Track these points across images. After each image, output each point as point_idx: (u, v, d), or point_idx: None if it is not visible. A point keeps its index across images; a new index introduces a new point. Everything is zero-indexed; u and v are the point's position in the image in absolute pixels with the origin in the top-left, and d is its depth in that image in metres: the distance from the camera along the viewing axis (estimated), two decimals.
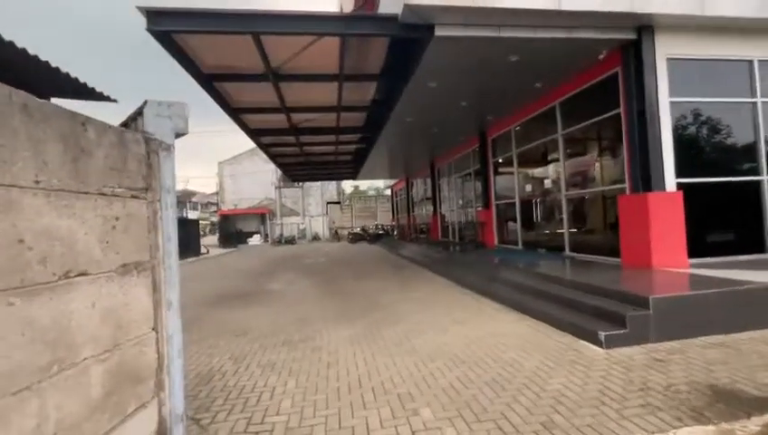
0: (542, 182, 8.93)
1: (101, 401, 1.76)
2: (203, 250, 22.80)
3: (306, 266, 13.42)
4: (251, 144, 12.90)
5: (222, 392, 3.34)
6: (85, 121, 1.80)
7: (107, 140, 1.93)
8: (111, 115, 2.42)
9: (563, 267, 6.58)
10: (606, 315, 4.12)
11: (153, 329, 2.19)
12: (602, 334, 3.74)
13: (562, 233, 7.89)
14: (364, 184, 49.41)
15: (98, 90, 3.56)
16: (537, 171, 9.37)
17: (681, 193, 5.54)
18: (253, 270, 13.14)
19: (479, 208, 11.93)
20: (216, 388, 3.44)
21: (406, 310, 5.99)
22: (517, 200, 9.81)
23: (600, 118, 6.77)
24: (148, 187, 2.22)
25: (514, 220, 10.28)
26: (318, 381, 3.45)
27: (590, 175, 7.52)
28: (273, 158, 14.75)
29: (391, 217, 28.37)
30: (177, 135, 2.47)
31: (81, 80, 3.24)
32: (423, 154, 15.65)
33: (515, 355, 3.79)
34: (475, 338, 4.42)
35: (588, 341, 3.97)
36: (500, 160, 10.98)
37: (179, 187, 43.34)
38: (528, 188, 9.50)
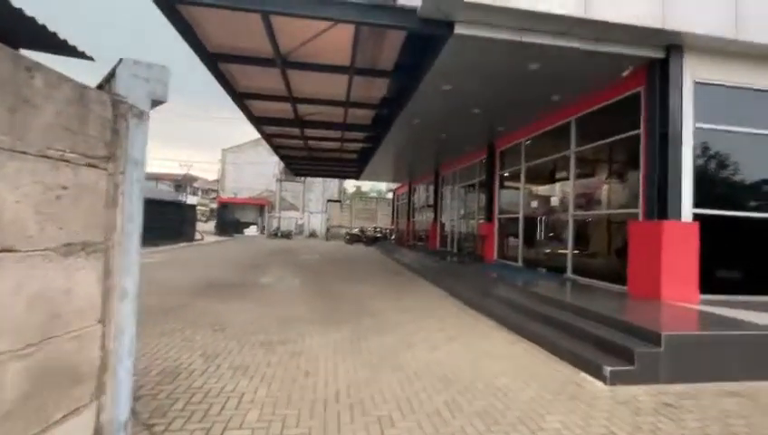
0: (549, 200, 8.64)
1: (15, 406, 1.45)
2: (197, 236, 22.48)
3: (300, 263, 13.10)
4: (256, 134, 12.59)
5: (185, 394, 3.02)
6: (32, 67, 1.49)
7: (61, 94, 1.62)
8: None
9: (564, 290, 6.27)
10: (610, 348, 3.80)
11: (100, 321, 1.88)
12: (608, 369, 3.43)
13: (565, 254, 7.58)
14: (367, 185, 49.25)
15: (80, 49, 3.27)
16: (544, 188, 9.08)
17: (697, 224, 5.24)
18: (245, 261, 12.81)
19: (481, 221, 11.62)
20: (180, 388, 3.12)
21: (397, 320, 5.67)
22: (521, 216, 9.52)
23: (617, 138, 6.48)
24: (111, 156, 1.91)
25: (516, 236, 9.97)
26: (292, 392, 3.13)
27: (599, 197, 7.23)
28: (276, 149, 14.47)
29: (391, 220, 28.07)
30: (155, 103, 2.17)
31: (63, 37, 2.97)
32: (428, 160, 15.37)
33: (510, 382, 3.47)
34: (467, 358, 4.10)
35: (589, 374, 3.65)
36: (507, 174, 10.69)
37: (182, 170, 43.05)
38: (533, 204, 9.21)
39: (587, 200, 7.45)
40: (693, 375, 3.51)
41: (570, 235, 7.49)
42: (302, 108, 9.23)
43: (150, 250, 15.32)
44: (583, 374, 3.68)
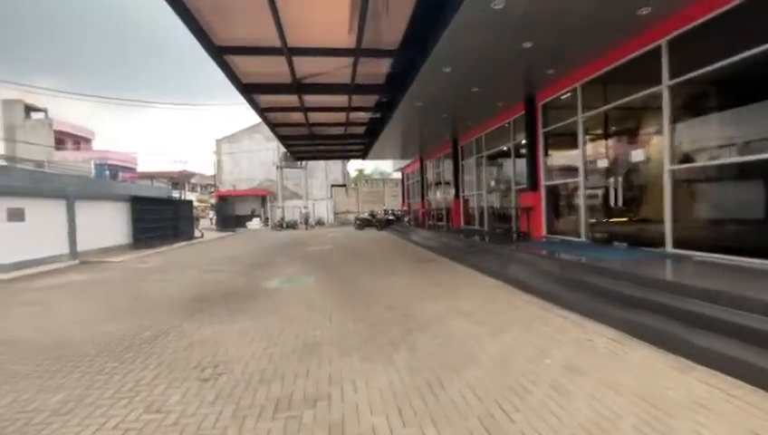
0: (625, 154, 6.78)
1: None
2: (197, 233, 20.87)
3: (311, 256, 11.41)
4: (249, 122, 10.76)
5: None
6: None
7: None
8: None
9: (709, 274, 4.46)
10: None
11: None
12: None
13: (660, 222, 5.79)
14: (368, 168, 47.15)
15: None
16: (615, 141, 7.22)
17: None
18: (249, 259, 11.14)
19: (523, 191, 9.80)
20: None
21: (464, 333, 3.97)
22: (581, 179, 7.69)
23: (754, 52, 4.58)
24: None
25: (573, 205, 8.18)
26: None
27: (721, 140, 5.37)
28: (274, 127, 12.57)
29: (401, 201, 26.25)
30: None
31: None
32: (445, 128, 13.43)
33: None
34: (618, 410, 2.39)
35: None
36: (554, 130, 8.81)
37: (177, 167, 41.22)
38: (600, 163, 7.36)
39: (698, 147, 5.59)
40: None
41: (668, 196, 5.68)
42: (302, 64, 7.29)
43: (145, 253, 13.72)
44: None
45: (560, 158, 8.88)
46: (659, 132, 5.89)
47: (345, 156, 19.77)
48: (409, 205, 24.96)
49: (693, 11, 5.12)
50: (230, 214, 28.07)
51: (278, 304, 5.60)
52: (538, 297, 5.23)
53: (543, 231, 9.08)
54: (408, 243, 14.24)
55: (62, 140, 35.23)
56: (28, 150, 27.95)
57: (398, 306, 5.16)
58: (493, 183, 12.12)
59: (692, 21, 5.18)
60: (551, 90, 8.52)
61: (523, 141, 9.76)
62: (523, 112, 9.63)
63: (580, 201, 7.73)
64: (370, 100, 10.23)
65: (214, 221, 29.33)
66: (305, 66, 7.43)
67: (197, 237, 20.43)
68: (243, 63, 7.27)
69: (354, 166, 44.93)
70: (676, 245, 5.61)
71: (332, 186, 31.68)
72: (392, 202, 32.20)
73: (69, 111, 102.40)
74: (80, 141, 37.59)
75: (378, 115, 11.83)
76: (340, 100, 9.83)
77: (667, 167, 5.70)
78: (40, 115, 34.94)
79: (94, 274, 9.49)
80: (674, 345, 3.24)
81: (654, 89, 5.85)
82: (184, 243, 17.87)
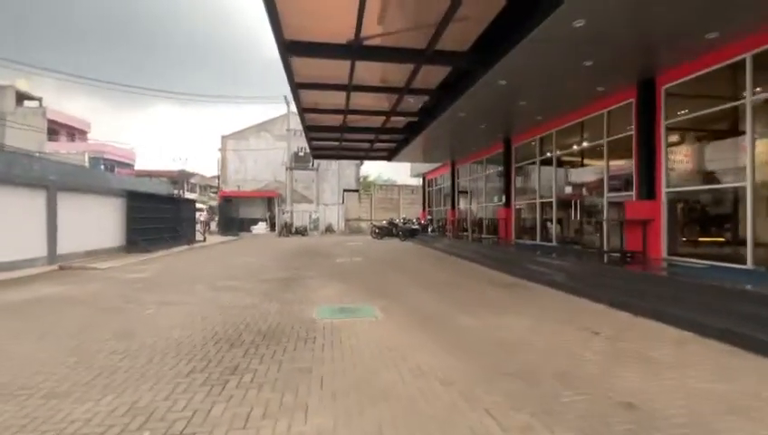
0: None
1: None
2: (198, 237, 18.62)
3: (346, 271, 9.23)
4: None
5: None
6: None
7: None
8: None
9: None
10: None
11: None
12: None
13: None
14: (372, 174, 44.85)
15: None
16: None
17: None
18: (270, 272, 8.94)
19: (628, 200, 7.71)
20: None
21: None
22: (749, 184, 5.62)
23: None
24: None
25: (711, 218, 6.14)
26: None
27: None
28: (303, 112, 10.50)
29: (422, 209, 24.15)
30: None
31: None
32: (494, 129, 11.41)
33: None
34: None
35: None
36: (685, 121, 6.78)
37: (176, 166, 39.04)
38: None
39: None
40: None
41: None
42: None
43: (139, 258, 11.47)
44: None
45: (694, 157, 6.83)
46: None
47: (370, 156, 17.69)
48: (431, 213, 22.88)
49: None
50: (234, 216, 25.81)
51: (355, 359, 3.43)
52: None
53: (663, 252, 6.98)
54: (452, 257, 12.07)
55: (55, 130, 32.92)
56: (15, 138, 25.64)
57: (578, 382, 3.01)
58: (569, 189, 10.04)
59: None
60: (684, 68, 6.51)
61: (621, 137, 7.73)
62: (629, 100, 7.62)
63: (747, 212, 5.63)
64: (419, 100, 8.57)
65: (208, 226, 26.87)
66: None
67: (200, 241, 18.19)
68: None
69: (363, 171, 42.82)
70: None
71: (345, 190, 29.55)
72: (408, 210, 30.11)
73: (70, 105, 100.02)
74: (75, 133, 35.31)
75: (428, 108, 9.95)
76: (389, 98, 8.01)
77: None
78: (34, 104, 32.74)
79: (72, 285, 7.26)
80: None
81: None
82: (185, 247, 15.63)
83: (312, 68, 7.44)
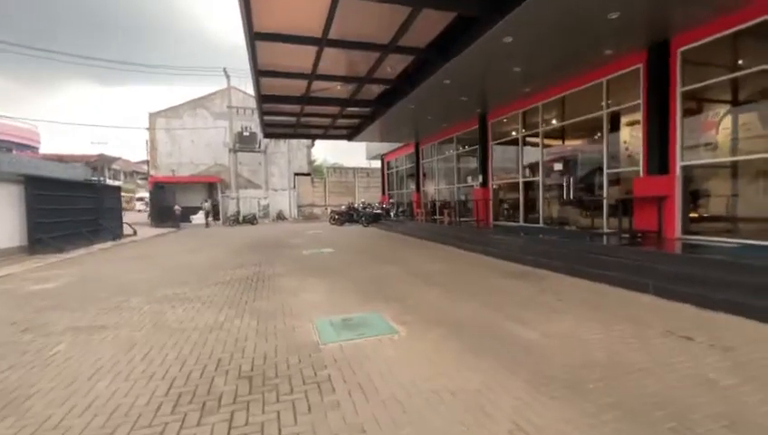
0: None
1: None
2: (127, 230, 15.86)
3: (312, 266, 7.79)
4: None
5: None
6: None
7: None
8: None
9: None
10: None
11: None
12: None
13: None
14: (318, 159, 42.53)
15: None
16: None
17: None
18: (227, 272, 7.24)
19: (638, 176, 7.10)
20: None
21: None
22: None
23: None
24: None
25: (725, 193, 5.65)
26: None
27: None
28: (259, 75, 8.68)
29: (382, 193, 22.93)
30: None
31: None
32: (476, 100, 10.42)
33: None
34: None
35: None
36: (704, 88, 6.20)
37: (95, 150, 34.07)
38: None
39: None
40: None
41: None
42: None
43: (49, 261, 9.07)
44: None
45: (710, 127, 6.30)
46: None
47: (329, 135, 15.98)
48: (392, 196, 21.78)
49: None
50: (169, 205, 22.68)
51: (412, 418, 2.18)
52: None
53: (677, 231, 6.47)
54: (430, 242, 11.05)
55: None
56: None
57: (748, 431, 2.04)
58: (558, 166, 9.37)
59: None
60: (704, 28, 5.87)
61: (624, 108, 7.08)
62: (635, 66, 6.95)
63: None
64: (406, 59, 7.23)
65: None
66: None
67: (129, 235, 15.47)
68: None
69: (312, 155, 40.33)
70: None
71: (296, 174, 27.41)
72: (364, 194, 28.77)
73: None
74: None
75: (401, 80, 8.70)
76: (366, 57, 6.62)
77: None
78: None
79: None
80: None
81: None
82: (110, 243, 13.02)
83: (276, 11, 5.80)
